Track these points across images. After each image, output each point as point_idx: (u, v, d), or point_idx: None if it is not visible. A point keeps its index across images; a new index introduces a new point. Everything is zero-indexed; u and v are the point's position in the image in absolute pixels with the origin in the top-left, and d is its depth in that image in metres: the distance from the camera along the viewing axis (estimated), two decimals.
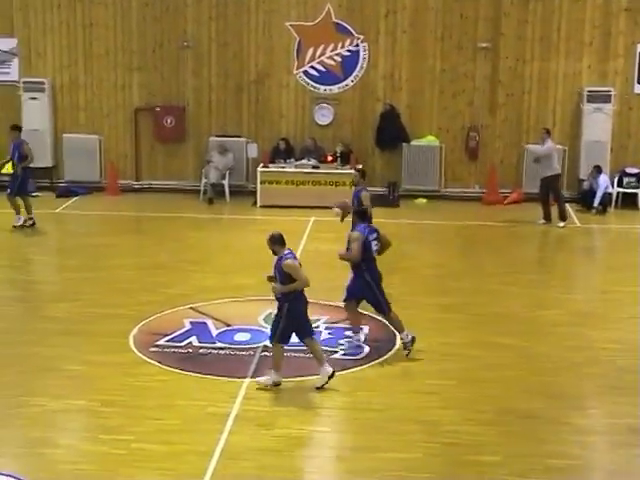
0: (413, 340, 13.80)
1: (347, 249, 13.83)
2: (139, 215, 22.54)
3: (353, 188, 17.27)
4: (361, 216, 14.09)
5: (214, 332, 14.69)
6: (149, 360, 13.61)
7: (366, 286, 13.81)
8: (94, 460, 10.91)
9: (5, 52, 24.11)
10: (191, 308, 15.70)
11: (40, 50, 24.23)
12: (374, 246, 13.86)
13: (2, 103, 24.37)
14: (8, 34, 24.11)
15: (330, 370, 12.73)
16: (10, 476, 10.57)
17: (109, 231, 21.03)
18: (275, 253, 12.61)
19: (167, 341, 14.25)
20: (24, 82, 24.05)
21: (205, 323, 15.04)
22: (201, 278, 17.07)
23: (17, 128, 21.32)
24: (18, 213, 20.76)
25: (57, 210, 22.75)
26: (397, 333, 14.07)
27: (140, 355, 13.76)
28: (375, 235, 13.92)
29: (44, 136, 24.10)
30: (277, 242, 12.55)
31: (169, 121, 24.13)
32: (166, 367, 13.35)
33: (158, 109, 24.12)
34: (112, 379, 13.02)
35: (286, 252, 12.58)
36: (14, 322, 15.36)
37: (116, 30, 24.03)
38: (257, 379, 12.85)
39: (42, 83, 24.03)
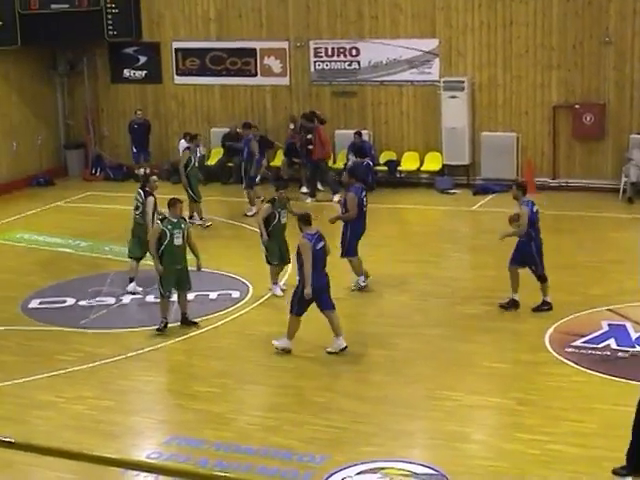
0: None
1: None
2: (556, 214, 22.12)
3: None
4: (304, 222, 14.16)
5: (634, 335, 14.15)
6: (565, 361, 13.37)
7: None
8: (506, 458, 10.87)
9: (427, 52, 24.64)
10: (609, 310, 15.23)
11: (460, 49, 24.53)
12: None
13: (423, 102, 24.91)
14: (430, 35, 24.63)
15: (343, 344, 13.93)
16: (426, 466, 10.75)
17: None
18: (300, 230, 13.95)
19: (584, 342, 13.92)
20: (444, 81, 24.43)
21: (624, 326, 14.53)
22: (621, 279, 16.52)
23: (249, 126, 22.70)
24: (253, 204, 21.91)
25: (473, 208, 22.91)
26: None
27: (556, 355, 13.54)
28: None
29: (462, 134, 24.35)
30: (301, 220, 14.07)
31: (588, 118, 23.59)
32: (583, 369, 13.05)
33: (577, 106, 23.65)
34: (528, 378, 12.93)
35: (308, 232, 13.84)
36: (431, 317, 15.64)
37: (536, 28, 23.79)
38: (275, 342, 14.18)
39: (461, 82, 24.30)
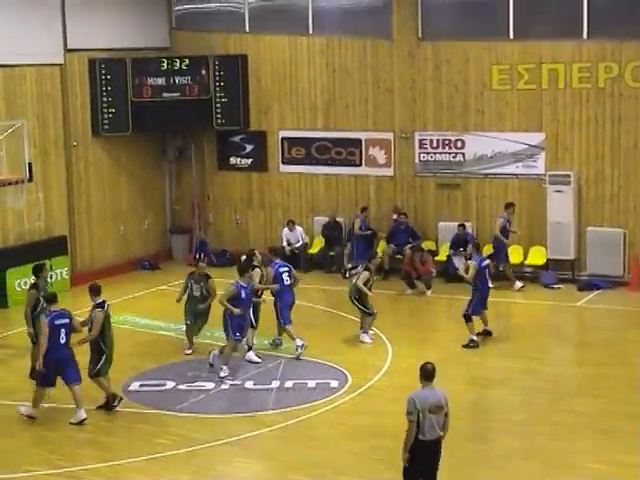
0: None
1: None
2: None
3: None
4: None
5: None
6: None
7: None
8: None
9: (533, 146, 24.49)
10: None
11: (567, 144, 24.33)
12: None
13: (528, 196, 24.70)
14: (536, 129, 24.50)
15: (84, 415, 15.04)
16: None
17: (631, 327, 20.40)
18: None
19: None
20: (550, 175, 24.23)
21: None
22: None
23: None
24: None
25: (578, 303, 22.51)
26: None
27: None
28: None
29: (567, 229, 24.04)
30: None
31: None
32: None
33: None
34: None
35: (51, 310, 15.19)
36: (535, 413, 15.29)
37: None
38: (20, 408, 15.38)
39: (567, 176, 24.07)
